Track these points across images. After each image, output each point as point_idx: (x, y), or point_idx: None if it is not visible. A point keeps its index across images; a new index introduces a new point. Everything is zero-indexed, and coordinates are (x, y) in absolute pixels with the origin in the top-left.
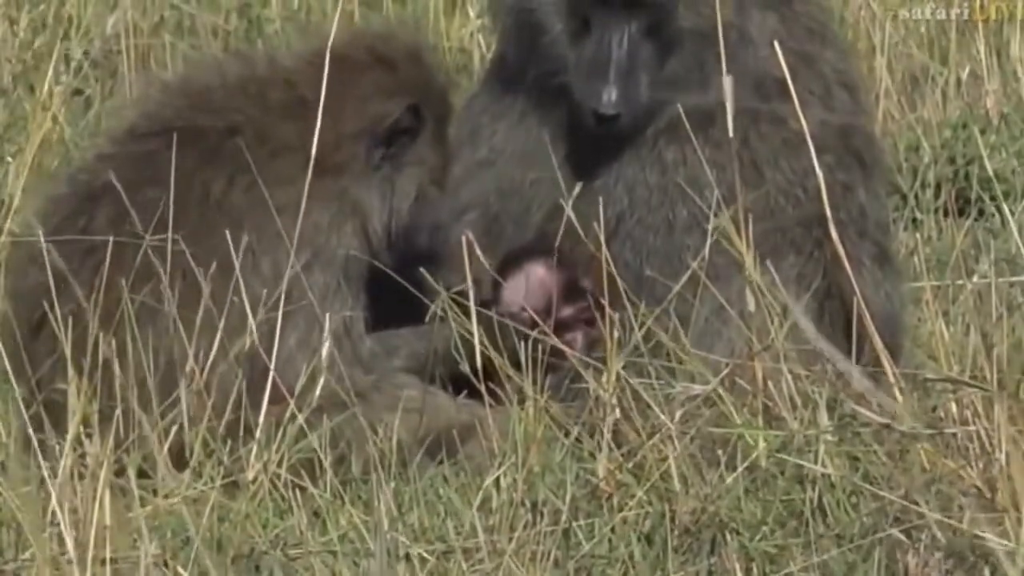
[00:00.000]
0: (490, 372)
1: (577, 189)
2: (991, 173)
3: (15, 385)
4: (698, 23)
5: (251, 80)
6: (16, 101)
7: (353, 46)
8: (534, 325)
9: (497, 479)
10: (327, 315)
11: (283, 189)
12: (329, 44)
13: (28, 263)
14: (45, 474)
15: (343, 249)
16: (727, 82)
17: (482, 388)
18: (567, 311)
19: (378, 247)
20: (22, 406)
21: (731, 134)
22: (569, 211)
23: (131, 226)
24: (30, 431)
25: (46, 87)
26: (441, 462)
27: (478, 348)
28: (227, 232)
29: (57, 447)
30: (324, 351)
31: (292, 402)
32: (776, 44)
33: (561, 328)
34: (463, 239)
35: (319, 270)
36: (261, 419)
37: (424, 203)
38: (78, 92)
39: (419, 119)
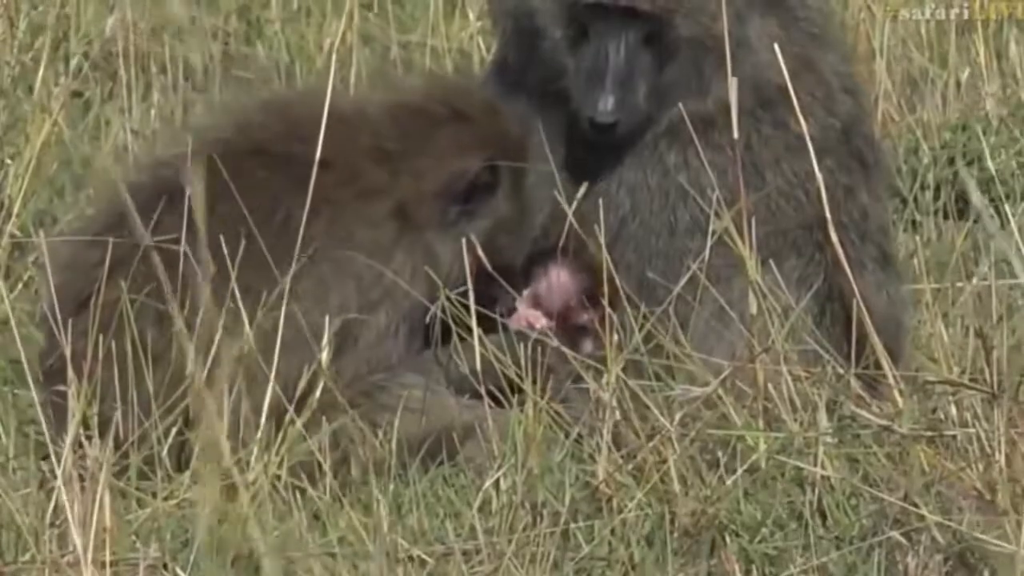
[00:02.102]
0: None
1: (582, 191)
2: (991, 175)
3: (33, 385)
4: (696, 32)
5: (341, 121)
6: (15, 103)
7: (430, 98)
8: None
9: (497, 480)
10: (327, 321)
11: (365, 230)
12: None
13: (80, 247)
14: (45, 476)
15: (412, 295)
16: (732, 84)
17: (482, 390)
18: (584, 316)
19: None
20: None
21: (735, 136)
22: (571, 214)
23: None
24: (46, 433)
25: (38, 85)
26: (441, 463)
27: (477, 349)
28: (302, 259)
29: (58, 448)
30: (324, 357)
31: (291, 407)
32: (777, 48)
33: (573, 332)
34: (464, 241)
35: (384, 311)
36: (262, 421)
37: (495, 252)
38: (77, 94)
39: (495, 174)
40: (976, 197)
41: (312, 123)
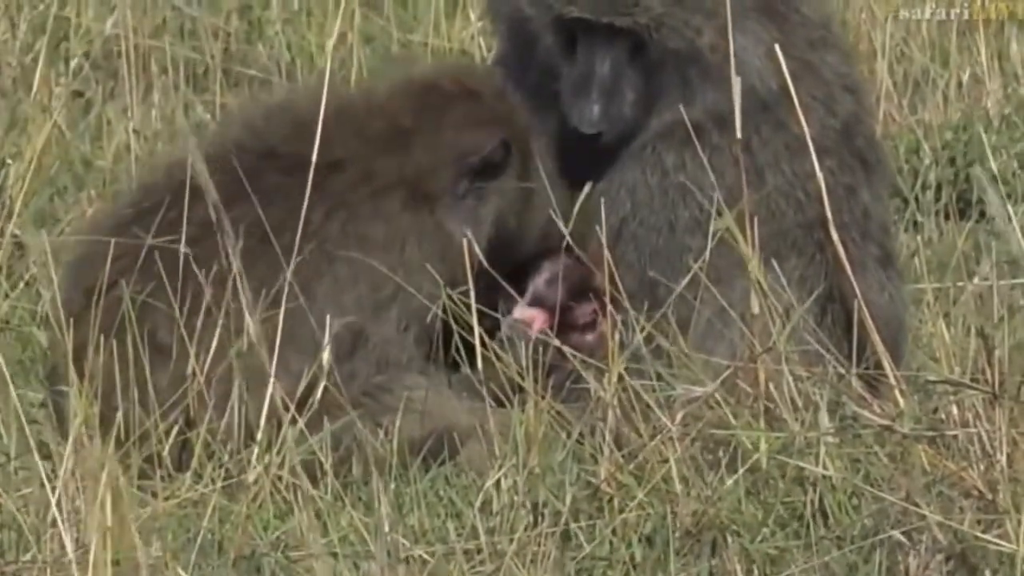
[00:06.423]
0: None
1: (586, 190)
2: (993, 174)
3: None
4: (680, 45)
5: (351, 114)
6: (16, 103)
7: (441, 76)
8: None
9: (498, 480)
10: (328, 320)
11: (380, 225)
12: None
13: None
14: (47, 475)
15: (424, 291)
16: (736, 83)
17: (483, 391)
18: (585, 313)
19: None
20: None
21: (739, 135)
22: (575, 214)
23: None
24: (86, 432)
25: (38, 85)
26: (442, 463)
27: (479, 349)
28: (318, 259)
29: (59, 448)
30: (325, 356)
31: (292, 405)
32: (778, 49)
33: (573, 329)
34: (463, 240)
35: (395, 309)
36: (263, 421)
37: (502, 236)
38: (78, 94)
39: (507, 154)
40: (993, 196)
41: (321, 123)
